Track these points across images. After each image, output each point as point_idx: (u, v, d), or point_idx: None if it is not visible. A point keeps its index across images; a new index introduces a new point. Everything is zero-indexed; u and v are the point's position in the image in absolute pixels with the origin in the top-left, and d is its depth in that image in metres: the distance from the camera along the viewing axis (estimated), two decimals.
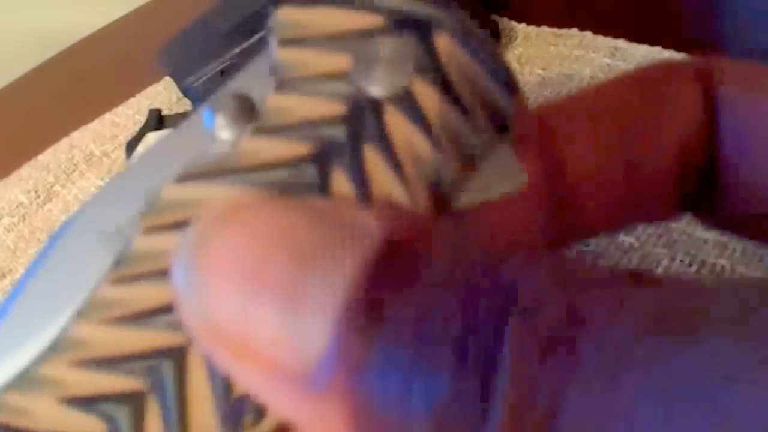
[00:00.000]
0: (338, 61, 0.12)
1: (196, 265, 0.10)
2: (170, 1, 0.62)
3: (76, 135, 0.48)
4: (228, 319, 0.09)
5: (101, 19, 0.62)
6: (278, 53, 0.13)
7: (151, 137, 0.33)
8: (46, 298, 0.12)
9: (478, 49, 0.12)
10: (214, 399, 0.11)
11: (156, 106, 0.45)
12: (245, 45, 0.46)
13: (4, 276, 0.40)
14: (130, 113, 0.49)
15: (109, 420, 0.11)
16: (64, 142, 0.47)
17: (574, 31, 0.44)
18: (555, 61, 0.42)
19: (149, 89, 0.50)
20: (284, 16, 0.13)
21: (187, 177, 0.12)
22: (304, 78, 0.12)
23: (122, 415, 0.11)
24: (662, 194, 0.14)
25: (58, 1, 0.62)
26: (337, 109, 0.12)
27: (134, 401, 0.11)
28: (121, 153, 0.45)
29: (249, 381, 0.10)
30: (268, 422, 0.11)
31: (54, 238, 0.12)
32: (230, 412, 0.11)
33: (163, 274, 0.11)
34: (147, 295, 0.11)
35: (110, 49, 0.59)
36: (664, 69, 0.15)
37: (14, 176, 0.46)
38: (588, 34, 0.43)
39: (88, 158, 0.46)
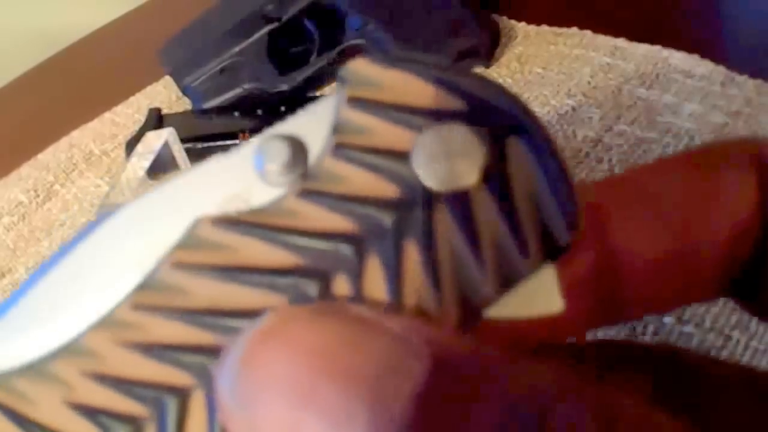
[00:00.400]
0: (404, 138, 0.11)
1: (243, 379, 0.10)
2: (170, 0, 0.62)
3: (75, 134, 0.48)
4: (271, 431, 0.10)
5: (101, 18, 0.62)
6: (345, 111, 0.11)
7: (151, 136, 0.33)
8: (68, 295, 0.12)
9: (551, 171, 0.11)
10: None
11: (156, 105, 0.45)
12: (244, 44, 0.46)
13: (3, 275, 0.40)
14: (130, 112, 0.49)
15: (105, 429, 0.11)
16: (64, 142, 0.47)
17: (574, 30, 0.44)
18: (555, 59, 0.42)
19: (149, 88, 0.50)
20: (361, 69, 0.12)
21: (225, 220, 0.11)
22: (366, 149, 0.11)
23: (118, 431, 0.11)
24: (710, 281, 0.14)
25: (57, 1, 0.62)
26: (390, 191, 0.11)
27: (134, 424, 0.11)
28: (121, 152, 0.45)
29: None
30: None
31: (90, 228, 0.12)
32: None
33: (182, 312, 0.11)
34: (163, 328, 0.11)
35: (110, 48, 0.59)
36: (721, 153, 0.15)
37: (14, 175, 0.46)
38: (588, 33, 0.43)
39: (88, 157, 0.46)
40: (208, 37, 0.46)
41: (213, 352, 0.11)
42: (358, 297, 0.11)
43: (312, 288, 0.11)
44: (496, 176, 0.11)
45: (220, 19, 0.47)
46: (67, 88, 0.55)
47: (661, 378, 0.14)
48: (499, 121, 0.11)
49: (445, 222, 0.11)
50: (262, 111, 0.42)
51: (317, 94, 0.45)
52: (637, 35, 0.41)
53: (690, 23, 0.44)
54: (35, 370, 0.11)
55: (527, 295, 0.11)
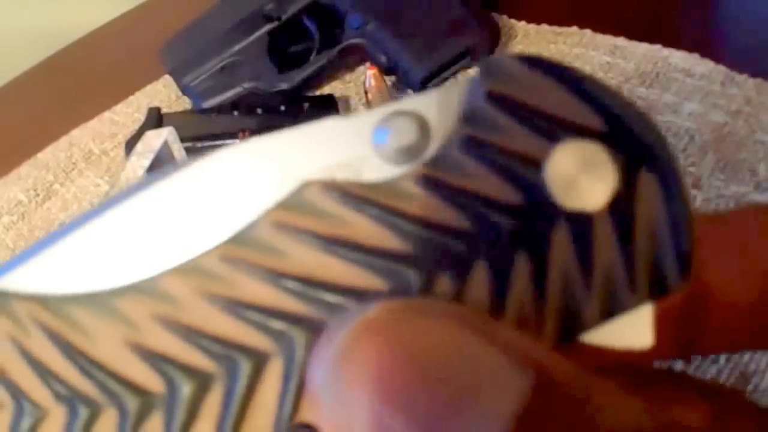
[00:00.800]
0: (539, 146, 0.11)
1: (339, 370, 0.10)
2: (170, 0, 0.62)
3: (75, 133, 0.48)
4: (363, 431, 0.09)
5: (101, 17, 0.62)
6: (482, 105, 0.11)
7: (150, 136, 0.33)
8: (147, 231, 0.11)
9: (677, 213, 0.11)
10: (276, 415, 0.10)
11: (155, 104, 0.45)
12: (244, 44, 0.46)
13: None
14: (130, 111, 0.49)
15: (170, 383, 0.11)
16: (64, 141, 0.47)
17: (574, 29, 0.44)
18: (555, 58, 0.42)
19: (149, 87, 0.50)
20: (508, 66, 0.11)
21: (334, 188, 0.11)
22: (497, 148, 0.11)
23: (184, 386, 0.10)
24: None
25: (57, 1, 0.62)
26: (514, 197, 0.11)
27: (200, 380, 0.11)
28: (120, 151, 0.45)
29: None
30: None
31: (184, 165, 0.11)
32: (285, 429, 0.10)
33: (274, 274, 0.11)
34: (250, 286, 0.11)
35: (110, 47, 0.59)
36: None
37: (13, 175, 0.46)
38: (588, 32, 0.43)
39: (87, 157, 0.46)
40: (208, 36, 0.46)
41: (299, 321, 0.10)
42: (460, 298, 0.11)
43: (414, 278, 0.11)
44: (622, 206, 0.11)
45: (220, 18, 0.47)
46: (67, 87, 0.55)
47: (719, 412, 0.14)
48: (637, 150, 0.11)
49: (562, 240, 0.11)
50: (261, 110, 0.42)
51: (317, 93, 0.45)
52: (637, 34, 0.41)
53: (690, 23, 0.44)
54: (98, 302, 0.11)
55: (620, 327, 0.11)
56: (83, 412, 0.11)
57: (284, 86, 0.44)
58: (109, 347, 0.11)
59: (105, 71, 0.55)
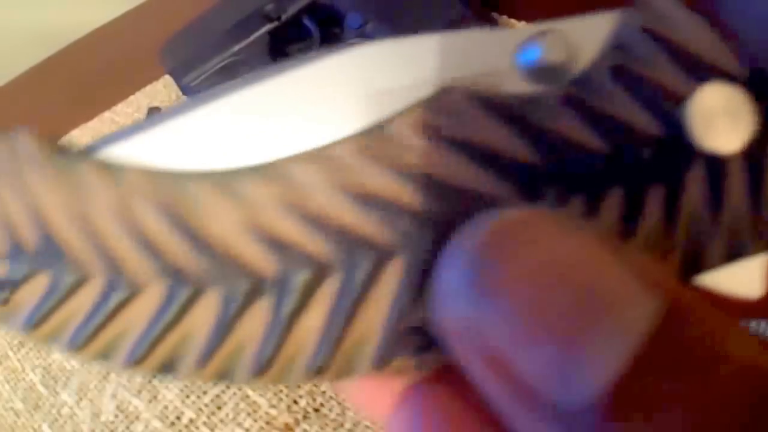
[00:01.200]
0: (684, 83, 0.11)
1: (474, 276, 0.09)
2: (169, 0, 0.62)
3: (75, 133, 0.48)
4: (499, 339, 0.09)
5: (101, 17, 0.62)
6: (636, 37, 0.11)
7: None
8: (279, 113, 0.11)
9: None
10: (389, 313, 0.10)
11: (155, 104, 0.45)
12: (244, 43, 0.46)
13: None
14: (130, 111, 0.49)
15: (284, 269, 0.10)
16: (64, 141, 0.47)
17: None
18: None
19: (149, 87, 0.50)
20: (664, 6, 0.11)
21: (478, 95, 0.11)
22: (644, 79, 0.11)
23: (300, 273, 0.10)
24: None
25: (57, 0, 0.62)
26: (654, 129, 0.11)
27: (317, 269, 0.10)
28: None
29: (489, 389, 0.10)
30: (425, 360, 0.10)
31: (323, 54, 0.11)
32: (395, 334, 0.10)
33: (407, 171, 0.10)
34: (381, 180, 0.10)
35: (110, 47, 0.59)
36: None
37: None
38: None
39: None
40: (208, 36, 0.46)
41: (427, 221, 0.10)
42: (591, 221, 0.11)
43: (550, 194, 0.11)
44: (756, 153, 0.11)
45: (220, 18, 0.47)
46: (67, 87, 0.55)
47: None
48: None
49: (696, 178, 0.11)
50: None
51: None
52: None
53: None
54: (219, 181, 0.10)
55: (734, 273, 0.11)
56: (184, 291, 0.10)
57: None
58: (225, 226, 0.10)
59: (105, 71, 0.55)
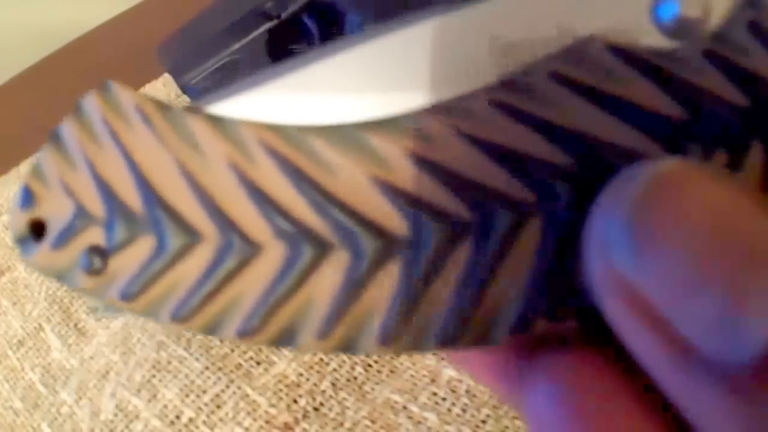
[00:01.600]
0: None
1: (635, 227, 0.09)
2: None
3: None
4: (657, 291, 0.09)
5: (100, 16, 0.62)
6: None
7: None
8: (409, 65, 0.10)
9: None
10: (529, 275, 0.10)
11: None
12: (243, 42, 0.46)
13: (2, 273, 0.40)
14: None
15: (416, 227, 0.10)
16: None
17: None
18: None
19: (148, 86, 0.50)
20: None
21: (619, 47, 0.10)
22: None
23: (434, 231, 0.10)
24: None
25: None
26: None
27: (451, 227, 0.10)
28: None
29: (641, 346, 0.09)
30: (566, 326, 0.10)
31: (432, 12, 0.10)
32: (535, 296, 0.10)
33: (544, 124, 0.10)
34: (516, 133, 0.10)
35: (109, 46, 0.59)
36: None
37: (13, 173, 0.46)
38: None
39: None
40: (208, 34, 0.46)
41: (567, 175, 0.10)
42: (735, 176, 0.10)
43: (693, 150, 0.10)
44: None
45: (219, 16, 0.47)
46: (67, 86, 0.55)
47: None
48: None
49: None
50: None
51: None
52: None
53: None
54: (344, 135, 0.10)
55: None
56: (307, 252, 0.10)
57: None
58: (352, 183, 0.10)
59: (104, 70, 0.55)
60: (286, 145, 0.10)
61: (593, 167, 0.10)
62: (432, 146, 0.10)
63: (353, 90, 0.10)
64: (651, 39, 0.11)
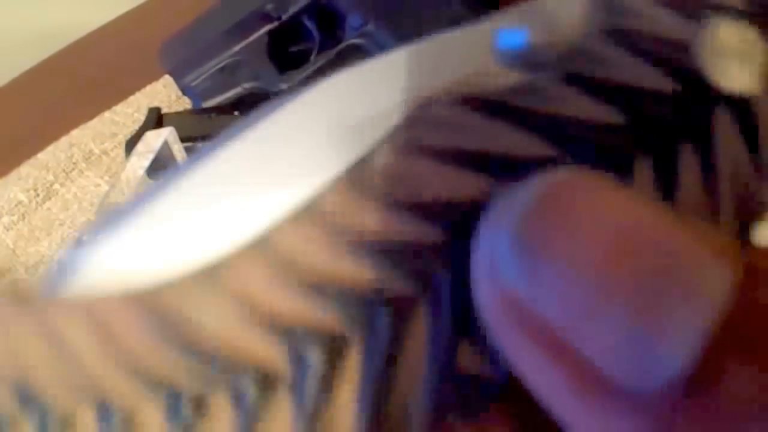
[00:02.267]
0: (686, 29, 0.10)
1: (528, 242, 0.08)
2: (169, 0, 0.62)
3: (75, 133, 0.48)
4: (557, 313, 0.08)
5: (101, 17, 0.62)
6: None
7: (150, 136, 0.33)
8: (252, 176, 0.09)
9: None
10: (429, 366, 0.09)
11: (155, 104, 0.45)
12: (244, 44, 0.46)
13: (3, 275, 0.40)
14: (130, 112, 0.49)
15: (296, 351, 0.09)
16: (64, 141, 0.47)
17: None
18: None
19: (148, 87, 0.50)
20: None
21: (462, 99, 0.09)
22: (641, 33, 0.10)
23: (313, 352, 0.09)
24: None
25: (57, 0, 0.62)
26: (667, 86, 0.10)
27: (332, 343, 0.09)
28: (121, 151, 0.45)
29: (543, 378, 0.08)
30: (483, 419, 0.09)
31: (280, 105, 0.10)
32: (441, 388, 0.09)
33: (401, 201, 0.09)
34: (378, 221, 0.09)
35: (110, 47, 0.59)
36: None
37: (13, 175, 0.46)
38: None
39: (88, 157, 0.46)
40: (208, 36, 0.46)
41: (445, 253, 0.09)
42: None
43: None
44: None
45: (220, 18, 0.47)
46: (67, 87, 0.55)
47: None
48: None
49: (724, 125, 0.10)
50: None
51: None
52: None
53: None
54: (201, 275, 0.09)
55: None
56: (185, 403, 0.09)
57: (284, 86, 0.44)
58: (218, 320, 0.09)
59: (105, 71, 0.55)
60: (144, 304, 0.09)
61: (467, 232, 0.09)
62: (291, 259, 0.09)
63: (199, 223, 0.09)
64: (504, 76, 0.10)
